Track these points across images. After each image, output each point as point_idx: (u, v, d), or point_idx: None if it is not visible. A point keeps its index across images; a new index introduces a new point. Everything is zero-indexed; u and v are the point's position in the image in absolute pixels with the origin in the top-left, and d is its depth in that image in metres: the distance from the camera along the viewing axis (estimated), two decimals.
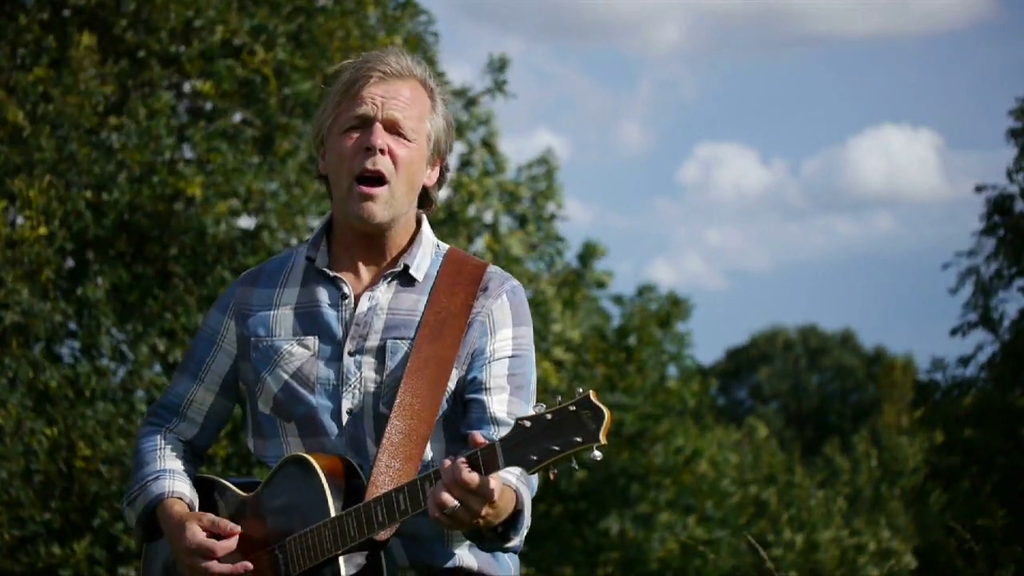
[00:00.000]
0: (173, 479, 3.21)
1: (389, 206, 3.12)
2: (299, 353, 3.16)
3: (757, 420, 29.20)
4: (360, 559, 3.03)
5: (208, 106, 10.44)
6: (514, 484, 2.93)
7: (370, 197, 3.10)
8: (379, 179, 3.11)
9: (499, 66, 14.20)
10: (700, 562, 18.93)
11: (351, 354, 3.13)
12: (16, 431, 8.68)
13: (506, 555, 3.20)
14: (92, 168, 9.33)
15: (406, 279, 3.18)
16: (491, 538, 2.98)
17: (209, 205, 9.58)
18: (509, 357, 3.15)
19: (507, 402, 3.11)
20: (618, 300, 19.77)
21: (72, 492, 9.13)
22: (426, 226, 3.23)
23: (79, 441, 9.01)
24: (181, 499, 3.18)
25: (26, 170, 8.99)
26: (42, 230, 8.74)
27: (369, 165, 3.10)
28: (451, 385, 3.11)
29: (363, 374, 3.12)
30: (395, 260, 3.19)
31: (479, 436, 2.86)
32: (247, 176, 9.79)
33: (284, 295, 3.21)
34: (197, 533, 3.09)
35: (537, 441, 2.80)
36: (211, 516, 3.12)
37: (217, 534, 3.09)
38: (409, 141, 3.13)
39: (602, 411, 2.77)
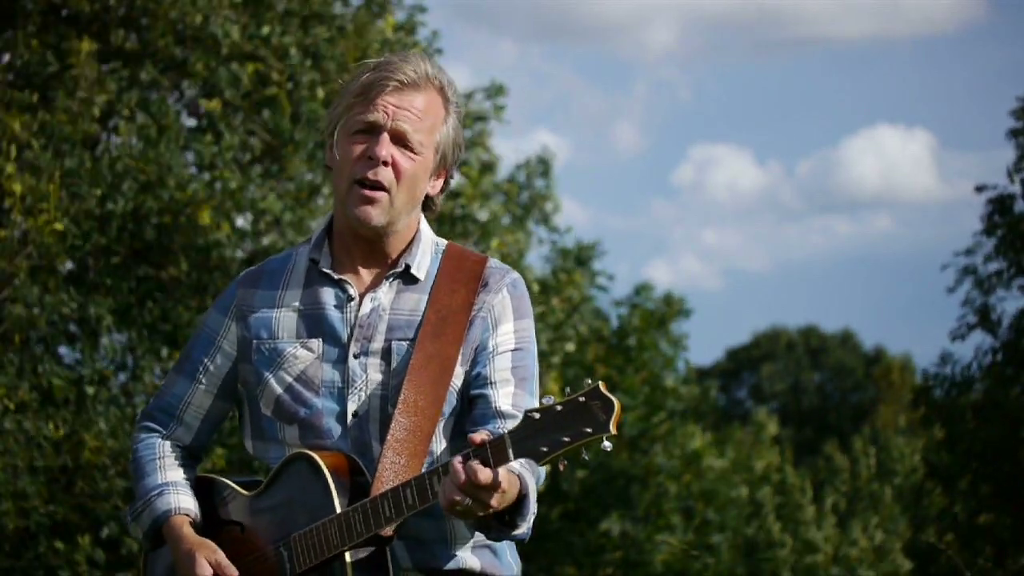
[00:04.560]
0: (177, 493, 3.21)
1: (387, 212, 3.12)
2: (303, 356, 3.15)
3: (767, 417, 29.06)
4: (366, 555, 3.03)
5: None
6: (517, 470, 2.93)
7: (369, 200, 3.10)
8: (379, 188, 3.11)
9: (496, 91, 14.13)
10: (700, 565, 18.93)
11: (356, 356, 3.13)
12: (20, 426, 8.67)
13: (509, 555, 3.21)
14: (94, 178, 9.27)
15: (407, 278, 3.18)
16: (497, 527, 2.98)
17: (214, 224, 9.51)
18: (512, 351, 3.15)
19: (512, 395, 3.11)
20: (617, 304, 19.74)
21: (76, 486, 9.12)
22: (424, 224, 3.23)
23: (86, 436, 9.00)
24: (187, 515, 3.19)
25: (32, 172, 8.95)
26: (58, 225, 8.70)
27: (370, 175, 3.10)
28: (456, 382, 3.12)
29: (369, 376, 3.12)
30: (396, 260, 3.19)
31: (478, 436, 2.86)
32: (259, 200, 9.76)
33: (287, 296, 3.20)
34: (207, 570, 3.10)
35: (547, 432, 2.81)
36: (218, 556, 3.11)
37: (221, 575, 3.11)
38: (415, 154, 3.12)
39: (612, 402, 2.79)
